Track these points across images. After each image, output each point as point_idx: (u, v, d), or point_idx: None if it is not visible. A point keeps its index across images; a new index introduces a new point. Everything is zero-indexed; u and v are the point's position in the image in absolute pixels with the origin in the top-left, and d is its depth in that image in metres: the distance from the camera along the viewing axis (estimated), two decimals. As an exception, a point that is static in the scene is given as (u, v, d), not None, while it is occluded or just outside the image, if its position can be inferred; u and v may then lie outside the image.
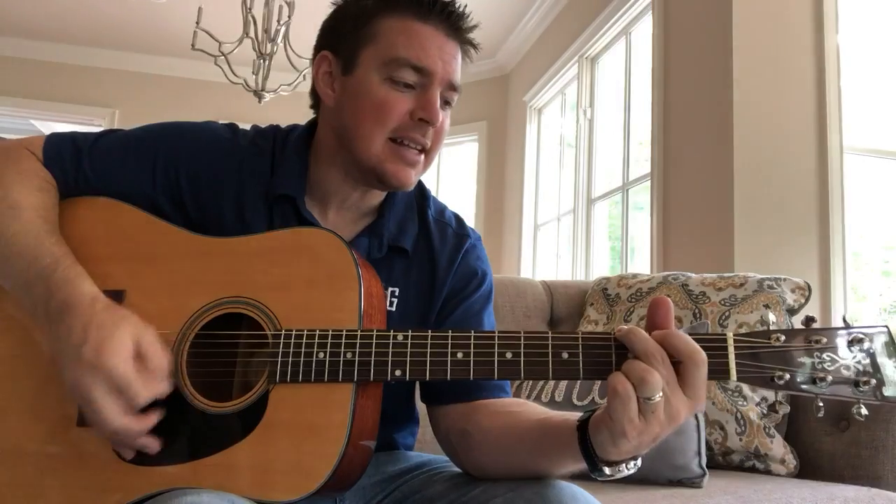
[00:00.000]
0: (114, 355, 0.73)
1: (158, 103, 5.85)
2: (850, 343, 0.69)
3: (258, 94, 3.92)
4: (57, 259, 0.82)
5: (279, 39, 3.83)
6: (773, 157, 2.72)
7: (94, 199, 0.93)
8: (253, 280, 0.83)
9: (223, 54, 3.80)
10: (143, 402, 0.75)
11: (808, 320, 0.72)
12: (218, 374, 0.83)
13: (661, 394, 0.66)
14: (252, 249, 0.85)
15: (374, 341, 0.77)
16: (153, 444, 0.77)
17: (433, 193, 1.07)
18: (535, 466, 0.81)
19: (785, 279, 1.70)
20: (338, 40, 0.94)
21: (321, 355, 0.77)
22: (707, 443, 1.50)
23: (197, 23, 3.73)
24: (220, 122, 1.02)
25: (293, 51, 3.84)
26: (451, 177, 6.30)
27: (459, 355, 0.75)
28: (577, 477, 0.78)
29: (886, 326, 0.69)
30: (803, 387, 0.69)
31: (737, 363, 0.70)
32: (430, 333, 0.77)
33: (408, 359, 0.76)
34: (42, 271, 0.80)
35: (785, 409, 0.74)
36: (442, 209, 1.05)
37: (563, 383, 1.52)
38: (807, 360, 0.69)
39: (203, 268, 0.86)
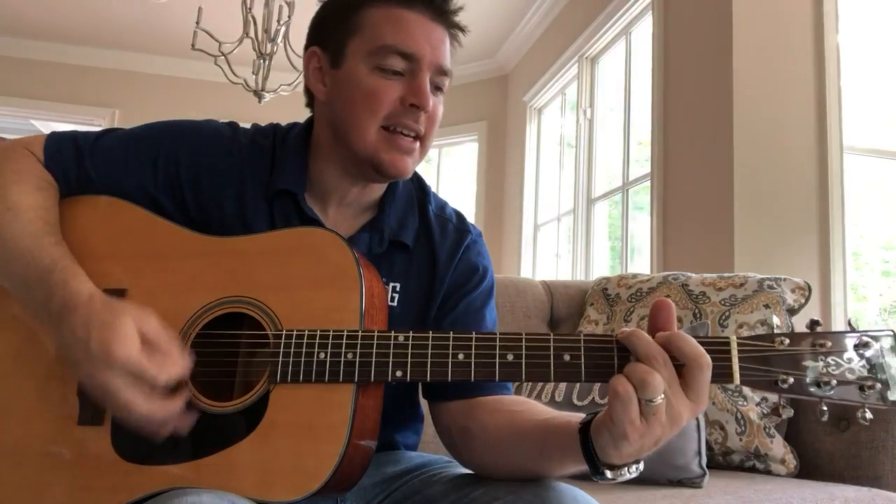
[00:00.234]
0: (122, 347, 0.73)
1: (158, 103, 5.84)
2: (856, 347, 0.68)
3: (258, 94, 3.92)
4: (55, 260, 0.82)
5: (279, 39, 3.83)
6: (772, 157, 2.72)
7: (95, 197, 0.92)
8: (254, 280, 0.83)
9: (223, 54, 3.80)
10: (163, 383, 0.75)
11: (813, 324, 0.71)
12: (219, 374, 0.83)
13: (662, 396, 0.66)
14: (254, 249, 0.86)
15: (375, 342, 0.77)
16: (185, 424, 0.77)
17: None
18: (536, 467, 0.81)
19: (785, 279, 1.70)
20: (325, 35, 0.95)
21: (322, 355, 0.77)
22: (707, 443, 1.50)
23: (197, 23, 3.73)
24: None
25: (293, 51, 3.83)
26: (451, 177, 6.30)
27: (460, 356, 0.75)
28: (577, 477, 0.78)
29: (892, 331, 0.69)
30: (808, 390, 0.68)
31: (740, 366, 0.69)
32: (431, 334, 0.77)
33: (409, 360, 0.76)
34: (41, 272, 0.80)
35: (788, 413, 0.74)
36: (443, 205, 1.05)
37: (564, 383, 1.52)
38: (811, 364, 0.69)
39: (205, 267, 0.86)
